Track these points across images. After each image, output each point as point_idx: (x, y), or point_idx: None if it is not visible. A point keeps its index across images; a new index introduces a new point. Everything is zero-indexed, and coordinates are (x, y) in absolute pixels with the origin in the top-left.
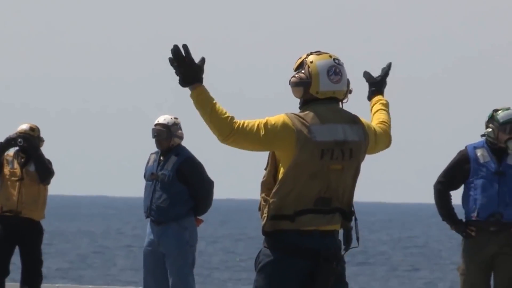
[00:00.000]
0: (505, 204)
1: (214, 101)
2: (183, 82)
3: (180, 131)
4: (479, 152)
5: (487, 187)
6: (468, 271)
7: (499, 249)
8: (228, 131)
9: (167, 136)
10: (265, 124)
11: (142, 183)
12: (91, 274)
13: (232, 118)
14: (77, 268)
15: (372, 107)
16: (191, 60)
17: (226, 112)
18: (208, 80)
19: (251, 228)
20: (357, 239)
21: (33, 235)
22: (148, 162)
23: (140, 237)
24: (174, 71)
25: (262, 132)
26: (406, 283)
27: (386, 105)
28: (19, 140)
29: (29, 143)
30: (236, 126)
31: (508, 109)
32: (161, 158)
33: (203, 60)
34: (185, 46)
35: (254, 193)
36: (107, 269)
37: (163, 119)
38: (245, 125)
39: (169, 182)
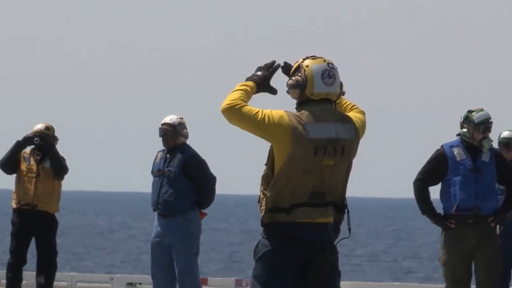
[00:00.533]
0: (482, 198)
1: (247, 91)
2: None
3: (185, 130)
4: (455, 151)
5: (465, 183)
6: (450, 261)
7: (478, 241)
8: (225, 105)
9: (173, 135)
10: (265, 112)
11: (150, 179)
12: (102, 264)
13: (241, 104)
14: (87, 258)
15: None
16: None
17: (242, 98)
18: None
19: (251, 221)
20: (349, 230)
21: (48, 227)
22: (155, 159)
23: (147, 229)
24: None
25: (260, 116)
26: (387, 272)
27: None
28: (36, 139)
29: (44, 142)
30: (237, 107)
31: (481, 110)
32: (167, 155)
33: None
34: (286, 66)
35: (255, 188)
36: (116, 260)
37: (169, 119)
38: (246, 107)
39: (175, 178)
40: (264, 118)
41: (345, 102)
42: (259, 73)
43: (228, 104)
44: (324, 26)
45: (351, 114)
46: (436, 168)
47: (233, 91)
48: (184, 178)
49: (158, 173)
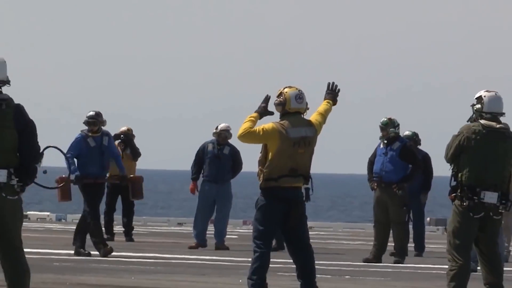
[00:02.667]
0: (385, 170)
1: (253, 120)
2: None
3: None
4: (381, 145)
5: (379, 160)
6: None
7: (387, 199)
8: (240, 133)
9: (229, 136)
10: (261, 127)
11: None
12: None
13: (249, 128)
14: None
15: (323, 102)
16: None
17: (250, 126)
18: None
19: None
20: (312, 190)
21: (128, 189)
22: (206, 147)
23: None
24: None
25: (259, 131)
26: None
27: (329, 104)
28: (122, 135)
29: (127, 138)
30: (248, 132)
31: (384, 119)
32: (219, 147)
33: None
34: (268, 98)
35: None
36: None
37: (226, 125)
38: (253, 131)
39: (225, 160)
40: (261, 131)
41: (323, 105)
42: (262, 105)
43: (242, 131)
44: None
45: (313, 117)
46: (374, 154)
47: (244, 122)
48: (229, 161)
49: (215, 158)
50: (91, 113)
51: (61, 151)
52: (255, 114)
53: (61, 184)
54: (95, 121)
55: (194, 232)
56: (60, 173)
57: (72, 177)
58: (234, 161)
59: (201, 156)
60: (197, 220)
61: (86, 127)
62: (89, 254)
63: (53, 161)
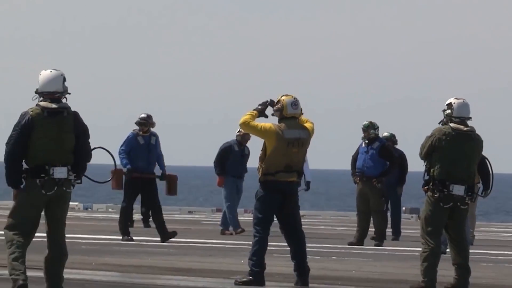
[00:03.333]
0: (366, 166)
1: (252, 115)
2: (258, 110)
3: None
4: (363, 144)
5: (361, 157)
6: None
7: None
8: (241, 121)
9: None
10: (262, 124)
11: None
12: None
13: (250, 121)
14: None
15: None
16: (265, 107)
17: (250, 119)
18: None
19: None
20: (305, 183)
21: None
22: (232, 147)
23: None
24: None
25: (259, 127)
26: None
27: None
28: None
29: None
30: (248, 122)
31: (366, 122)
32: (242, 147)
33: (265, 105)
34: (271, 102)
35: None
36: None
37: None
38: (253, 122)
39: (247, 158)
40: (262, 127)
41: (305, 119)
42: (259, 106)
43: (243, 121)
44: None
45: (307, 124)
46: (356, 152)
47: (246, 114)
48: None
49: (240, 155)
50: (143, 115)
51: (108, 151)
52: (254, 112)
53: (114, 176)
54: (145, 122)
55: (231, 221)
56: (105, 169)
57: (125, 169)
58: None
59: (225, 155)
60: (232, 210)
61: (138, 127)
62: (132, 239)
63: (101, 158)
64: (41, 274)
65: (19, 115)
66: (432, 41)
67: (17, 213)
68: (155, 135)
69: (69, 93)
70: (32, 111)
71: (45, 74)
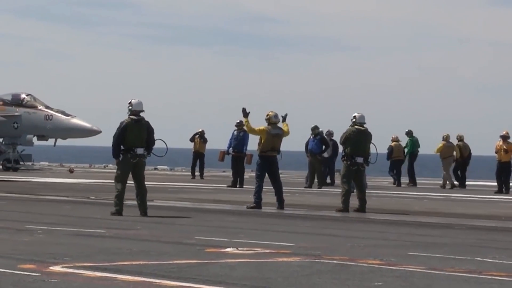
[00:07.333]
0: (313, 148)
1: (248, 122)
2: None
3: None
4: (311, 136)
5: (310, 143)
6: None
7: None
8: (248, 129)
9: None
10: (259, 128)
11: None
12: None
13: (251, 126)
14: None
15: (284, 123)
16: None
17: (251, 126)
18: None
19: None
20: (281, 156)
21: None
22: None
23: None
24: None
25: (258, 129)
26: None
27: (287, 126)
28: (198, 133)
29: (201, 134)
30: (250, 128)
31: (313, 125)
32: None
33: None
34: (244, 110)
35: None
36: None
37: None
38: (253, 128)
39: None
40: (259, 129)
41: (285, 124)
42: (243, 115)
43: (249, 130)
44: None
45: (284, 127)
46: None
47: (248, 124)
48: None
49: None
50: (239, 121)
51: (163, 141)
52: (245, 120)
53: (222, 154)
54: (240, 123)
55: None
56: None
57: (228, 151)
58: None
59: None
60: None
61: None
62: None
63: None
64: (135, 203)
65: (119, 122)
66: None
67: (119, 172)
68: (243, 130)
69: (144, 111)
70: (126, 120)
71: (135, 101)
